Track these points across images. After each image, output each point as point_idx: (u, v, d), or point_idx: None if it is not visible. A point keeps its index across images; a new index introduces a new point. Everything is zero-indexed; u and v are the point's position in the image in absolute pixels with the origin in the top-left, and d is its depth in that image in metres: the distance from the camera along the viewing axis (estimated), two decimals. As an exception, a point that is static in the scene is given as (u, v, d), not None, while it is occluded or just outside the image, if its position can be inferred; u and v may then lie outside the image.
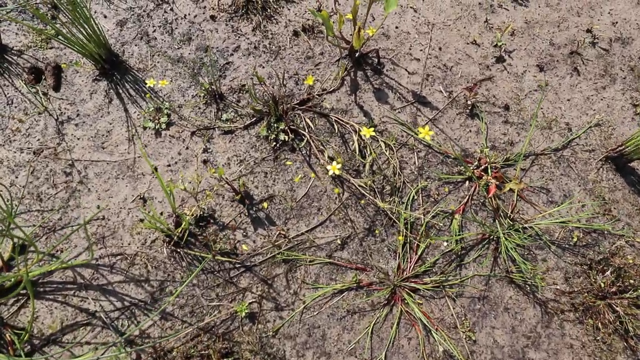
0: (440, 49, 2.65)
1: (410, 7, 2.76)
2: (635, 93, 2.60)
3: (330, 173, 1.92)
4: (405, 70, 2.58)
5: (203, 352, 1.95)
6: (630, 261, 2.14)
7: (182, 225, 2.05)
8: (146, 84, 2.27)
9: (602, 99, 2.58)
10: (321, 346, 2.03)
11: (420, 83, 2.54)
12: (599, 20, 2.82)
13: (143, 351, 1.97)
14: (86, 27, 2.20)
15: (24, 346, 1.96)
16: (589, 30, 2.78)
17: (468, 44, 2.68)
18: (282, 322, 2.06)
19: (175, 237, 2.09)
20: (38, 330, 2.00)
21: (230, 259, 2.13)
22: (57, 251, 2.13)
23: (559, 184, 2.37)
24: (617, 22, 2.81)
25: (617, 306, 2.09)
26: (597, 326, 2.10)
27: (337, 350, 2.03)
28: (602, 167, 2.42)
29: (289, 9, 2.72)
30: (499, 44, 2.65)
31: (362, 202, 2.24)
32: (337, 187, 2.28)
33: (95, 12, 2.64)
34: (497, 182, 2.18)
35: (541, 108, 2.51)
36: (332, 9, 2.70)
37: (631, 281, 2.12)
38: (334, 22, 2.62)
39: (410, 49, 2.64)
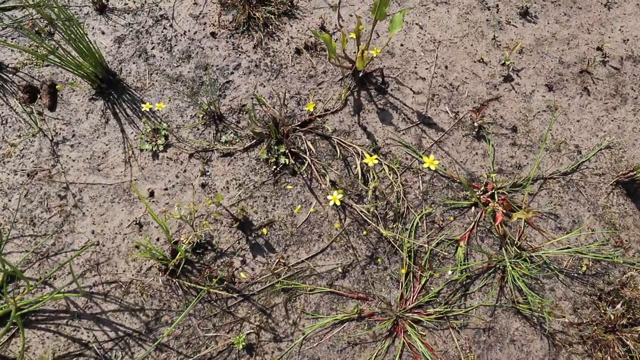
0: (446, 67, 2.58)
1: (416, 24, 2.69)
2: (647, 114, 2.52)
3: (331, 204, 1.85)
4: (410, 89, 2.51)
5: (198, 386, 1.89)
6: (634, 292, 2.05)
7: (178, 255, 1.98)
8: (143, 104, 2.20)
9: (612, 120, 2.51)
10: (321, 380, 1.96)
11: (426, 103, 2.47)
12: (609, 37, 2.74)
13: (136, 386, 1.91)
14: (81, 45, 2.13)
15: (14, 379, 1.90)
16: (599, 48, 2.71)
17: (475, 62, 2.61)
18: (280, 353, 2.00)
19: (171, 266, 2.02)
20: (29, 361, 1.94)
21: (225, 292, 2.06)
22: (50, 279, 2.06)
23: (567, 210, 2.30)
24: (628, 40, 2.74)
25: (627, 340, 2.01)
26: (607, 360, 2.02)
27: (337, 385, 1.96)
28: (612, 192, 2.35)
29: (291, 26, 2.65)
30: (507, 62, 2.57)
31: (365, 232, 2.17)
32: (338, 221, 2.20)
33: (92, 29, 2.58)
34: (504, 210, 2.11)
35: (550, 130, 2.44)
36: (336, 25, 2.64)
37: (637, 313, 2.04)
38: (336, 41, 2.54)
39: (415, 68, 2.57)
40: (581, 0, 2.85)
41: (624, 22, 2.80)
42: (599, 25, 2.78)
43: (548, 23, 2.76)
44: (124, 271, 2.09)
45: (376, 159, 2.09)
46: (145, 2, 2.67)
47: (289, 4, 2.68)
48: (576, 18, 2.79)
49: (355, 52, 2.41)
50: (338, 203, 1.88)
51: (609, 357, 2.02)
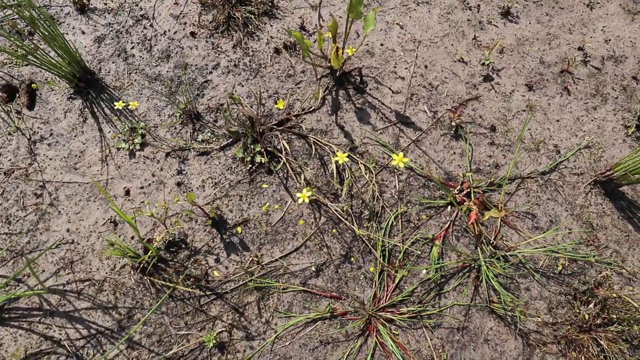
0: (426, 67, 2.58)
1: (397, 24, 2.69)
2: (627, 114, 2.52)
3: (299, 202, 1.85)
4: (389, 89, 2.51)
5: (168, 384, 1.88)
6: (615, 295, 2.04)
7: (150, 253, 1.99)
8: (116, 103, 2.20)
9: (592, 120, 2.50)
10: (292, 379, 1.96)
11: (404, 103, 2.47)
12: (591, 37, 2.74)
13: (105, 383, 1.91)
14: (57, 45, 2.14)
15: (-16, 376, 1.90)
16: (580, 48, 2.71)
17: (455, 62, 2.61)
18: (252, 352, 1.99)
19: (143, 264, 2.02)
20: (1, 358, 1.94)
21: (195, 290, 2.06)
22: (24, 276, 2.06)
23: (545, 209, 2.29)
24: (610, 40, 2.73)
25: (601, 340, 2.00)
26: (580, 360, 2.02)
27: (309, 383, 1.96)
28: (590, 192, 2.35)
29: (271, 26, 2.66)
30: (487, 62, 2.57)
31: (335, 231, 2.17)
32: (303, 219, 2.20)
33: (73, 28, 2.59)
34: (478, 209, 2.10)
35: (529, 129, 2.43)
36: (316, 25, 2.63)
37: (616, 315, 2.03)
38: (315, 41, 2.55)
39: (395, 67, 2.57)
40: (563, 0, 2.85)
41: (606, 22, 2.80)
42: (581, 26, 2.78)
43: (529, 23, 2.76)
44: (97, 269, 2.09)
45: (348, 156, 2.10)
46: (126, 1, 2.68)
47: (270, 3, 2.68)
48: (558, 18, 2.79)
49: (336, 49, 2.41)
50: (307, 201, 1.88)
51: (582, 357, 2.01)
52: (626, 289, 2.12)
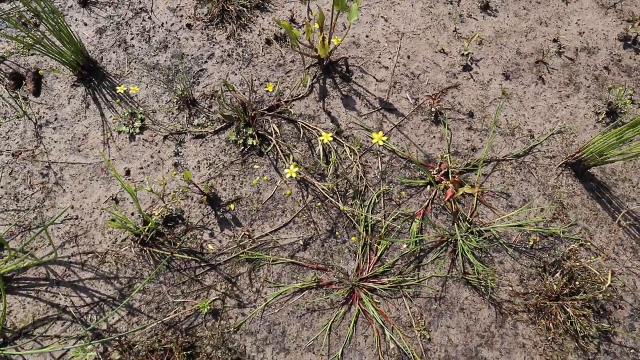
0: (408, 57, 2.75)
1: (381, 17, 2.85)
2: (598, 101, 2.68)
3: (287, 177, 2.01)
4: (374, 77, 2.67)
5: (166, 346, 2.04)
6: (578, 264, 2.21)
7: (149, 225, 2.15)
8: (118, 87, 2.36)
9: (565, 107, 2.67)
10: (281, 342, 2.12)
11: (388, 90, 2.63)
12: (566, 30, 2.90)
13: (109, 344, 2.06)
14: (63, 35, 2.30)
15: (-4, 339, 2.06)
16: (555, 40, 2.87)
17: (436, 52, 2.78)
18: (243, 318, 2.15)
19: (143, 236, 2.18)
20: (11, 324, 2.10)
21: (193, 256, 2.22)
22: (31, 249, 2.22)
23: (519, 189, 2.45)
24: (584, 32, 2.90)
25: (568, 307, 2.16)
26: (549, 326, 2.18)
27: (296, 347, 2.11)
28: (562, 173, 2.50)
29: (263, 18, 2.82)
30: (466, 52, 2.74)
31: (319, 204, 2.33)
32: (289, 189, 2.37)
33: (76, 20, 2.75)
34: (454, 187, 2.27)
35: (505, 115, 2.60)
36: (305, 17, 2.80)
37: (581, 284, 2.19)
38: (303, 34, 2.71)
39: (379, 57, 2.73)
40: (541, -5, 3.02)
41: (580, 15, 2.96)
42: (557, 19, 2.95)
43: (507, 16, 2.93)
44: (100, 242, 2.25)
45: (334, 139, 2.26)
46: (126, -5, 2.84)
47: (262, -3, 2.85)
48: (535, 12, 2.96)
49: (322, 39, 2.57)
50: (294, 176, 2.04)
51: (551, 324, 2.18)
52: (590, 260, 2.28)
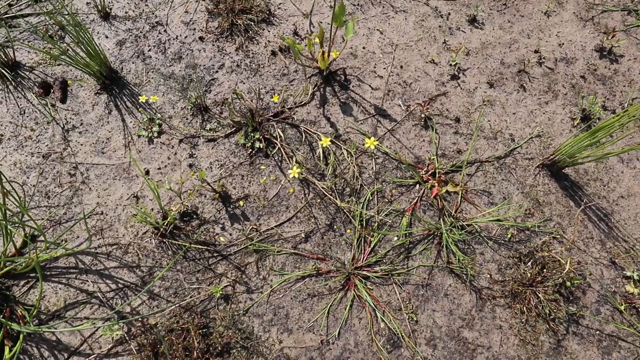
0: (401, 67, 3.02)
1: (377, 30, 3.13)
2: (574, 108, 2.95)
3: (290, 176, 2.30)
4: (369, 86, 2.95)
5: (183, 326, 2.33)
6: (547, 254, 2.48)
7: (168, 219, 2.43)
8: (140, 97, 2.65)
9: (544, 113, 2.94)
10: (284, 323, 2.40)
11: (382, 98, 2.91)
12: (547, 41, 3.17)
13: (133, 324, 2.35)
14: (89, 48, 2.58)
15: (33, 320, 2.34)
16: (537, 51, 3.14)
17: (427, 62, 3.05)
18: (252, 302, 2.43)
19: (162, 229, 2.47)
20: (45, 307, 2.38)
21: (207, 247, 2.50)
22: (62, 241, 2.51)
23: (499, 188, 2.73)
24: (563, 44, 3.17)
25: (539, 293, 2.44)
26: (523, 310, 2.45)
27: (298, 327, 2.39)
28: (539, 173, 2.77)
29: (268, 31, 3.10)
30: (454, 63, 3.01)
31: (319, 201, 2.61)
32: (292, 187, 2.65)
33: (97, 33, 3.03)
34: (439, 185, 2.55)
35: (489, 121, 2.87)
36: (307, 31, 3.08)
37: (547, 271, 2.47)
38: (305, 46, 2.99)
39: (374, 67, 3.01)
40: (524, 9, 3.29)
41: (560, 28, 3.23)
42: (538, 31, 3.22)
43: (493, 29, 3.20)
44: (123, 235, 2.53)
45: (331, 141, 2.54)
46: (143, 10, 3.12)
47: (267, 12, 3.13)
48: (518, 24, 3.23)
49: (322, 53, 2.85)
50: (297, 176, 2.32)
51: (525, 308, 2.45)
52: (560, 252, 2.56)
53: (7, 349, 2.18)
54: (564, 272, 2.40)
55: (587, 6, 3.30)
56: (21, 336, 2.18)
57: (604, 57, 3.14)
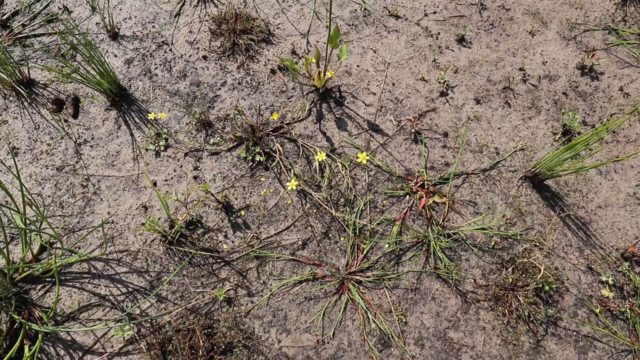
0: (393, 84, 3.22)
1: (371, 49, 3.33)
2: (556, 123, 3.14)
3: (289, 189, 2.49)
4: (363, 102, 3.15)
5: (189, 327, 2.51)
6: (526, 260, 2.67)
7: (175, 228, 2.62)
8: (149, 114, 2.84)
9: (527, 128, 3.13)
10: (283, 324, 2.59)
11: (375, 113, 3.11)
12: (531, 60, 3.37)
13: (142, 325, 2.54)
14: (99, 66, 2.78)
15: (50, 321, 2.53)
16: (521, 69, 3.33)
17: (417, 80, 3.25)
18: (252, 305, 2.62)
19: (169, 237, 2.66)
20: (60, 310, 2.56)
21: (211, 254, 2.69)
22: (76, 248, 2.69)
23: (485, 198, 2.92)
24: (546, 62, 3.36)
25: (520, 297, 2.63)
26: (505, 312, 2.64)
27: (296, 328, 2.58)
28: (522, 185, 2.97)
29: (268, 50, 3.30)
30: (443, 80, 3.20)
31: (315, 210, 2.80)
32: (290, 198, 2.84)
33: (106, 52, 3.23)
34: (427, 196, 2.74)
35: (475, 135, 3.06)
36: (305, 49, 3.28)
37: (527, 276, 2.66)
38: (302, 66, 3.19)
39: (368, 85, 3.21)
40: (510, 28, 3.49)
41: (544, 47, 3.43)
42: (523, 50, 3.42)
43: (480, 48, 3.40)
44: (132, 243, 2.72)
45: (328, 156, 2.73)
46: (150, 31, 3.32)
47: (267, 32, 3.33)
48: (504, 43, 3.43)
49: (318, 73, 3.05)
50: (295, 188, 2.52)
51: (506, 310, 2.64)
52: (539, 258, 2.75)
53: (26, 348, 2.37)
54: (539, 276, 2.58)
55: (570, 26, 3.49)
56: (40, 336, 2.36)
57: (585, 75, 3.32)
